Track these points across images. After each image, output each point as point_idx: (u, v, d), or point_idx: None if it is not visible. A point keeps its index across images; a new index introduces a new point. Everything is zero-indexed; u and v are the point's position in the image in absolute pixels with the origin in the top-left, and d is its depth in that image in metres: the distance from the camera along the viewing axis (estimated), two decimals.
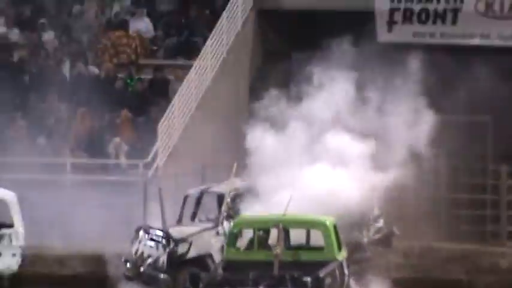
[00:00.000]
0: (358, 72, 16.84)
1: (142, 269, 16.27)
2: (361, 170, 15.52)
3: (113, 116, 23.16)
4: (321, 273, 12.72)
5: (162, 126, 21.75)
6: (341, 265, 13.65)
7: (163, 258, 16.26)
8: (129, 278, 16.57)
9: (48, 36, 25.36)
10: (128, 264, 16.46)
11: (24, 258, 17.89)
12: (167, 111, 22.14)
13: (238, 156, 16.78)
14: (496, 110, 21.98)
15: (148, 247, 16.30)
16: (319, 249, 13.81)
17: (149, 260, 16.28)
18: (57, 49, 25.22)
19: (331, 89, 16.29)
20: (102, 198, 20.13)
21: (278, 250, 13.06)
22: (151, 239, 16.39)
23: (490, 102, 21.37)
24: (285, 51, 22.11)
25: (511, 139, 21.67)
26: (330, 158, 15.56)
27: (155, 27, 25.87)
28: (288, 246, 13.99)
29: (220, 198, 16.94)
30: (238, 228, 14.31)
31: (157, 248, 16.34)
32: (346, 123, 15.94)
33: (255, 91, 22.48)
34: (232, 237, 14.18)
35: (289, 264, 13.05)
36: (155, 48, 25.64)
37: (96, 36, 25.56)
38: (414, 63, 17.15)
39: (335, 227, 13.75)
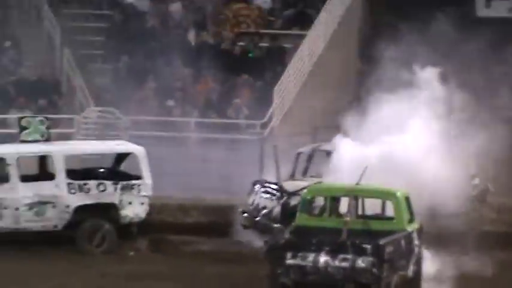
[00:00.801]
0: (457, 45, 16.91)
1: (257, 219, 16.43)
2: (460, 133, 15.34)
3: (233, 80, 23.85)
4: (382, 241, 12.03)
5: (278, 90, 22.34)
6: (409, 235, 13.02)
7: (277, 210, 16.41)
8: (245, 227, 16.77)
9: (175, 6, 26.03)
10: (245, 215, 16.62)
11: (151, 207, 18.25)
12: (282, 76, 22.72)
13: (346, 119, 16.31)
14: None
15: (263, 199, 16.38)
16: (389, 219, 13.36)
17: (264, 211, 16.42)
18: (183, 18, 25.90)
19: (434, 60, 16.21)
20: (222, 155, 20.74)
21: (348, 218, 12.74)
22: (267, 192, 16.51)
23: None
24: (392, 23, 22.24)
25: None
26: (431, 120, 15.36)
27: (273, 0, 26.38)
28: (359, 215, 13.34)
29: (330, 155, 16.61)
30: (311, 195, 13.80)
31: (271, 200, 16.47)
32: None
33: (364, 60, 22.93)
34: (305, 204, 13.62)
35: (359, 232, 12.61)
36: (273, 19, 26.13)
37: (218, 7, 26.08)
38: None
39: (407, 198, 13.26)
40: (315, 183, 15.57)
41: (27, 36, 25.04)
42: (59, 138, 19.76)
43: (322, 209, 13.81)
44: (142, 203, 18.14)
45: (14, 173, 17.36)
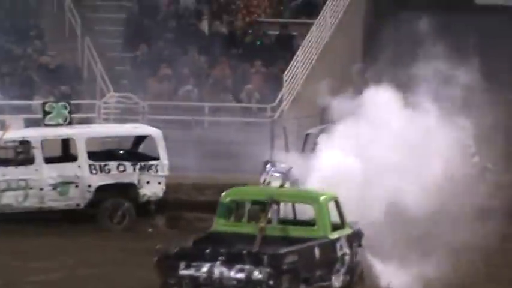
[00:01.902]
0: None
1: None
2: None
3: (245, 67, 23.95)
4: (282, 250, 10.38)
5: (287, 75, 22.57)
6: (331, 243, 11.25)
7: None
8: None
9: None
10: None
11: (167, 186, 18.41)
12: (291, 62, 22.93)
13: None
14: None
15: (274, 177, 16.67)
16: (311, 225, 11.52)
17: None
18: (197, 9, 26.04)
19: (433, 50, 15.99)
20: (235, 137, 20.89)
21: (262, 224, 10.97)
22: (277, 171, 16.79)
23: None
24: (394, 12, 22.21)
25: None
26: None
27: None
28: (280, 220, 11.64)
29: None
30: (227, 199, 11.84)
31: (282, 178, 16.77)
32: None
33: (367, 48, 22.96)
34: (223, 208, 11.80)
35: (275, 239, 11.03)
36: (282, 8, 26.26)
37: None
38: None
39: (336, 202, 11.58)
40: None
41: (50, 26, 25.15)
42: (80, 122, 20.11)
43: (241, 214, 12.06)
44: (159, 183, 18.28)
45: (38, 155, 17.51)
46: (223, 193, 12.03)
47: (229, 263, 10.38)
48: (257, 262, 10.27)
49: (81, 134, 18.08)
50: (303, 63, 23.17)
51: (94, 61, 23.68)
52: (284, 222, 11.69)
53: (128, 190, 18.07)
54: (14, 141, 17.61)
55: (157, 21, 25.39)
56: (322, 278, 11.06)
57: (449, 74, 15.33)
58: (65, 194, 17.59)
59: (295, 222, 11.86)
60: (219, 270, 10.39)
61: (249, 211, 11.92)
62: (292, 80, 22.74)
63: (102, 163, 17.83)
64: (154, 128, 18.79)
